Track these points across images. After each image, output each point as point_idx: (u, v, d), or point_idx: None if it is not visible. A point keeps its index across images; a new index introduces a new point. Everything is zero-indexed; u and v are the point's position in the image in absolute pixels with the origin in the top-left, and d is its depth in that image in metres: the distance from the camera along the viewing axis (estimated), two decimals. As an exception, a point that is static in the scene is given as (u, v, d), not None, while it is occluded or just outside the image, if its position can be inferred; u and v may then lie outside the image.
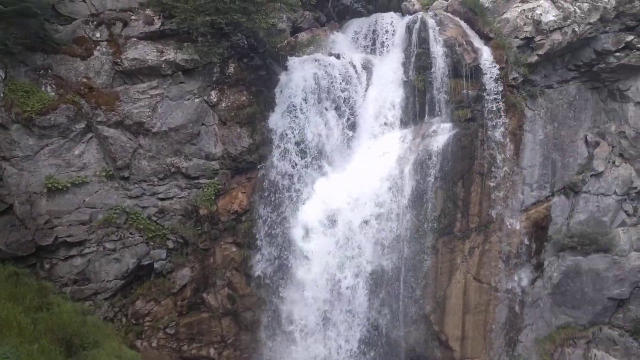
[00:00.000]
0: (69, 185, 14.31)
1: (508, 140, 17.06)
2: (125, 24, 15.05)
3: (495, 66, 16.51)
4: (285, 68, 16.33)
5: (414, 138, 16.63)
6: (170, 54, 14.98)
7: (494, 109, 16.69)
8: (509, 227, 17.45)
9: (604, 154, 18.39)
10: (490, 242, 17.28)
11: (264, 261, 15.99)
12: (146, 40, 15.04)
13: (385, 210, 16.06)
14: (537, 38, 17.01)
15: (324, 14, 19.17)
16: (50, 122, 13.96)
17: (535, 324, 18.42)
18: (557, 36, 17.02)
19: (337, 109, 16.45)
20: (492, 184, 16.95)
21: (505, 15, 17.49)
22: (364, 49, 18.06)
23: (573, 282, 18.44)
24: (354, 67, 16.92)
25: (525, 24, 17.07)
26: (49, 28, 14.25)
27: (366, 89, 16.93)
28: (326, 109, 16.29)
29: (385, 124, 16.79)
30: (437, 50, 16.46)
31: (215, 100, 15.70)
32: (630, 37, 17.46)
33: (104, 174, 14.78)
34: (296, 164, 15.99)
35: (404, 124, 16.90)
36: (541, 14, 16.97)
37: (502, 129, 16.90)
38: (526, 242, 17.81)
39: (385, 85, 16.93)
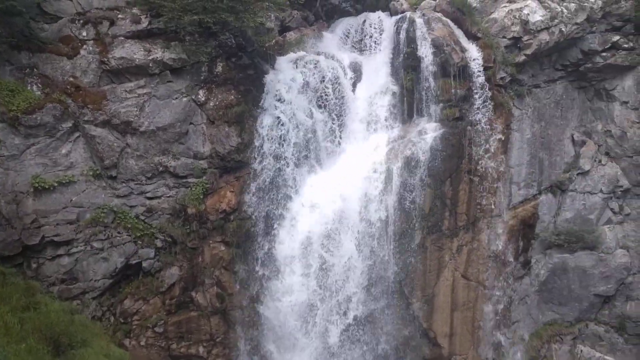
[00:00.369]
0: (55, 184, 14.20)
1: (496, 139, 17.20)
2: (112, 23, 14.95)
3: (483, 66, 16.65)
4: (274, 67, 16.34)
5: (403, 137, 16.68)
6: (158, 53, 14.90)
7: (482, 108, 16.84)
8: (497, 225, 17.63)
9: (591, 152, 18.57)
10: (478, 240, 17.45)
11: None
12: (133, 39, 14.94)
13: (374, 208, 16.15)
14: (525, 38, 17.15)
15: (312, 13, 19.17)
16: (37, 121, 13.86)
17: (522, 320, 18.63)
18: (544, 36, 17.14)
19: (325, 108, 16.46)
20: (480, 183, 17.09)
21: (493, 15, 17.60)
22: (352, 48, 18.10)
23: (560, 279, 18.65)
24: (342, 66, 16.96)
25: (512, 24, 17.18)
26: (35, 27, 14.11)
27: (354, 88, 16.99)
28: (314, 108, 16.29)
29: (374, 123, 16.85)
30: (426, 49, 16.53)
31: (203, 99, 15.64)
32: (616, 37, 17.64)
33: (91, 173, 14.68)
34: (285, 164, 15.99)
35: (392, 123, 16.95)
36: (528, 14, 17.10)
37: (489, 128, 17.05)
38: (514, 240, 18.00)
39: (373, 84, 17.00)
